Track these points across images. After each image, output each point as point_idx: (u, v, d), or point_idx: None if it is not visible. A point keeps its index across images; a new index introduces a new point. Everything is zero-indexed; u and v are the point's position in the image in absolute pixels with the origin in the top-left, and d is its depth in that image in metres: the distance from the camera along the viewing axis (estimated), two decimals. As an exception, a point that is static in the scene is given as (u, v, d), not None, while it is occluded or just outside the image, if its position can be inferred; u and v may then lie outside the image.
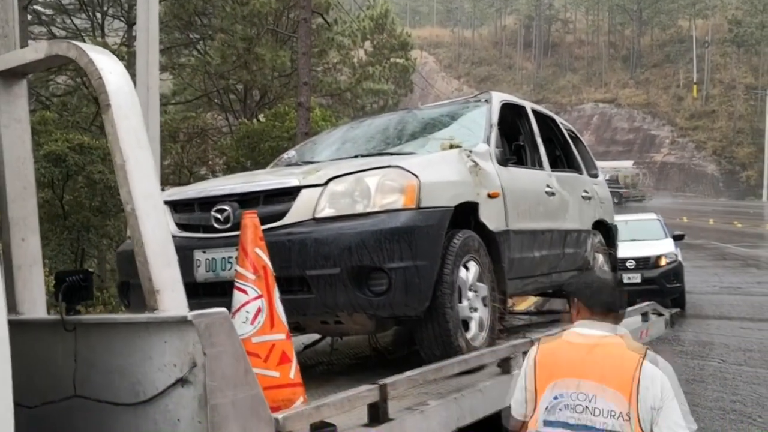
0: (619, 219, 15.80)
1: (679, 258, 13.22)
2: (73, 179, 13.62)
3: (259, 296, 2.42)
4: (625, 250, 13.53)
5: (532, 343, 3.67)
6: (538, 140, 5.23)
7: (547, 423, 2.64)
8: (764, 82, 58.04)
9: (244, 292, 2.43)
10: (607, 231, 6.33)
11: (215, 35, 21.71)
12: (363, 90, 27.65)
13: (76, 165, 15.35)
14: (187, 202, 3.67)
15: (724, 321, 12.31)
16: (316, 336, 4.61)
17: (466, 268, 3.76)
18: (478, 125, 4.56)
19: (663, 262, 13.06)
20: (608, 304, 2.77)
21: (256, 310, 2.40)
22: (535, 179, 4.92)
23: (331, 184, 3.41)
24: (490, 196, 4.11)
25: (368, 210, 3.34)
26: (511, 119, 5.20)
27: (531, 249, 4.61)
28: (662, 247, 13.44)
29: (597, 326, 2.73)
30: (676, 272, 12.97)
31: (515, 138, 5.18)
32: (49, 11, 24.47)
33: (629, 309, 5.52)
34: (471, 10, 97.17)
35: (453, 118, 4.90)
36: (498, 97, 4.87)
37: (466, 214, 3.96)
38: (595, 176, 6.44)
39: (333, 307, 3.33)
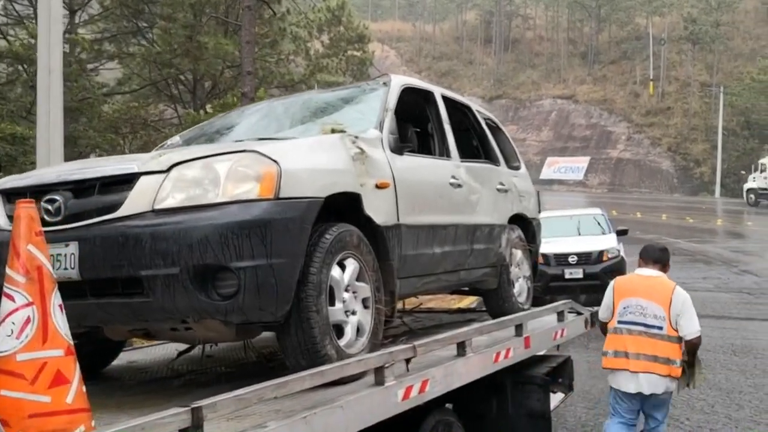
0: (562, 213, 15.83)
1: (622, 253, 13.05)
2: (7, 170, 12.91)
3: (29, 303, 1.99)
4: (567, 245, 13.38)
5: (414, 349, 3.31)
6: (447, 128, 4.85)
7: (620, 322, 4.92)
8: (718, 80, 58.85)
9: (11, 299, 1.99)
10: (527, 226, 6.00)
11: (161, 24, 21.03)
12: (318, 82, 27.12)
13: (8, 156, 14.59)
14: (19, 191, 3.20)
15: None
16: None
17: (342, 267, 3.36)
18: (371, 110, 4.16)
19: (605, 257, 12.88)
20: (655, 258, 5.10)
21: (23, 320, 1.96)
22: (438, 169, 4.54)
23: (175, 171, 2.98)
24: (377, 186, 3.72)
25: (216, 200, 2.91)
26: (416, 105, 4.82)
27: (430, 245, 4.23)
28: (605, 242, 13.27)
29: (649, 270, 5.06)
30: (618, 268, 12.76)
31: (422, 125, 4.82)
32: (-13, -2, 23.44)
33: (542, 308, 5.21)
34: (432, 4, 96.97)
35: (348, 102, 4.50)
36: (398, 81, 4.47)
37: (349, 206, 3.57)
38: (516, 168, 6.10)
39: (173, 312, 2.91)
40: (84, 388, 2.12)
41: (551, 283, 12.96)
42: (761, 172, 40.29)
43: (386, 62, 73.70)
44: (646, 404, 4.87)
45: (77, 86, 19.54)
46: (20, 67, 19.63)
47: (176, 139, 4.73)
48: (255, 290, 2.85)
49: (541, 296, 13.29)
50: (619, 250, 13.06)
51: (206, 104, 21.53)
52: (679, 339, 4.77)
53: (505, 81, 77.28)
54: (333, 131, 3.72)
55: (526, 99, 73.13)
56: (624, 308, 4.89)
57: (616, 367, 4.86)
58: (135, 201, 2.93)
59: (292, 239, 2.97)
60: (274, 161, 3.01)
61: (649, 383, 4.72)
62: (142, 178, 2.97)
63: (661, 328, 4.75)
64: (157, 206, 2.91)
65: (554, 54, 78.33)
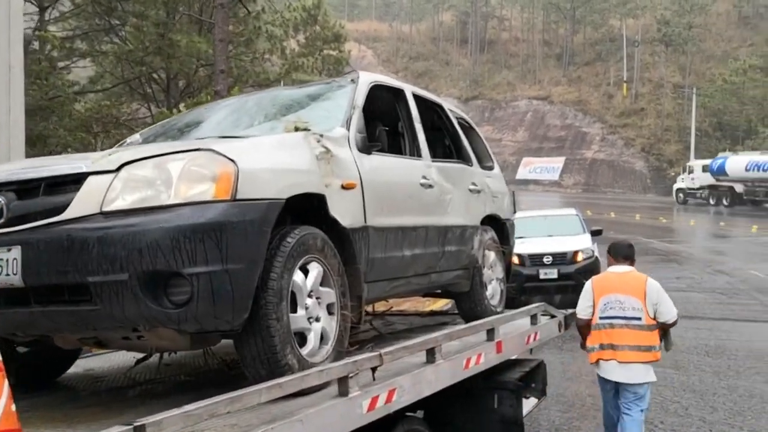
0: (537, 213, 15.80)
1: (596, 253, 13.03)
2: None
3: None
4: (542, 245, 13.34)
5: (380, 358, 3.17)
6: (418, 127, 4.72)
7: (602, 318, 5.32)
8: (691, 81, 59.42)
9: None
10: (500, 227, 5.89)
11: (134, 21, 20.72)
12: (293, 81, 26.96)
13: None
14: (-39, 191, 3.00)
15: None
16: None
17: (305, 271, 3.21)
18: (338, 107, 4.01)
19: (580, 257, 12.86)
20: (625, 254, 5.53)
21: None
22: (408, 169, 4.40)
23: (125, 171, 2.80)
24: (344, 187, 3.57)
25: (168, 202, 2.74)
26: (386, 103, 4.69)
27: (399, 247, 4.10)
28: (579, 242, 13.25)
29: (621, 266, 5.49)
30: (592, 268, 12.73)
31: (392, 124, 4.68)
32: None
33: (514, 312, 5.10)
34: (409, 4, 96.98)
35: (315, 99, 4.34)
36: (367, 78, 4.32)
37: (313, 207, 3.42)
38: (490, 168, 5.99)
39: (122, 321, 2.74)
40: (14, 407, 1.94)
41: (526, 284, 12.91)
42: (689, 173, 43.45)
43: (363, 62, 73.57)
44: (622, 391, 5.29)
45: (47, 84, 19.13)
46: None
47: (136, 137, 4.55)
48: (209, 297, 2.69)
49: (516, 297, 13.25)
50: (593, 251, 13.05)
51: (180, 103, 21.23)
52: (657, 326, 5.23)
53: (481, 82, 77.50)
54: (297, 129, 3.57)
55: (501, 100, 73.35)
56: (604, 305, 5.33)
57: (602, 358, 5.34)
58: (82, 202, 2.75)
59: (250, 243, 2.82)
60: (231, 160, 2.85)
61: (627, 371, 5.22)
62: (90, 179, 2.80)
63: (639, 318, 5.20)
64: (106, 208, 2.74)
65: (530, 55, 78.69)
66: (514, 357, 5.01)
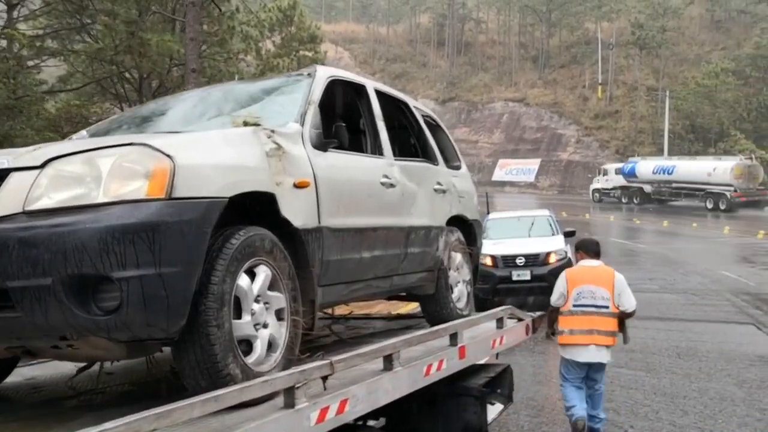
0: (511, 215, 15.72)
1: (569, 254, 12.94)
2: None
3: None
4: (515, 246, 13.25)
5: (331, 366, 2.99)
6: (380, 124, 4.55)
7: (575, 305, 6.01)
8: (664, 84, 59.89)
9: None
10: (467, 228, 5.74)
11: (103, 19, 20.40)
12: (269, 81, 26.71)
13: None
14: None
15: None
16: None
17: (251, 275, 3.02)
18: (293, 102, 3.82)
19: (552, 259, 12.78)
20: (594, 250, 6.31)
21: None
22: (368, 168, 4.23)
23: (50, 167, 2.60)
24: (296, 185, 3.39)
25: (98, 201, 2.55)
26: (347, 99, 4.52)
27: (357, 249, 3.92)
28: (552, 243, 13.18)
29: (591, 261, 6.25)
30: (566, 269, 12.66)
31: (354, 121, 4.51)
32: None
33: (479, 315, 4.94)
34: (386, 6, 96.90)
35: (270, 93, 4.15)
36: (325, 72, 4.14)
37: (262, 207, 3.24)
38: (457, 168, 5.84)
39: (47, 329, 2.53)
40: None
41: (499, 285, 12.82)
42: (603, 175, 48.08)
43: (340, 63, 73.33)
44: (590, 371, 6.12)
45: (14, 83, 18.72)
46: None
47: (83, 133, 4.33)
48: (141, 303, 2.50)
49: (488, 298, 13.19)
50: (566, 252, 12.98)
51: (152, 103, 20.86)
52: (618, 314, 6.02)
53: (457, 84, 77.63)
54: (246, 124, 3.37)
55: (478, 101, 73.54)
56: (578, 294, 6.05)
57: (573, 342, 6.05)
58: (4, 201, 2.55)
59: (187, 245, 2.62)
60: (168, 156, 2.66)
61: (598, 353, 6.02)
62: (14, 175, 2.59)
63: (607, 307, 6.00)
64: (29, 207, 2.53)
65: (506, 57, 78.98)
66: (479, 362, 4.85)
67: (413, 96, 73.38)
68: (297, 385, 2.77)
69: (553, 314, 6.21)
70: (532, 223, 14.30)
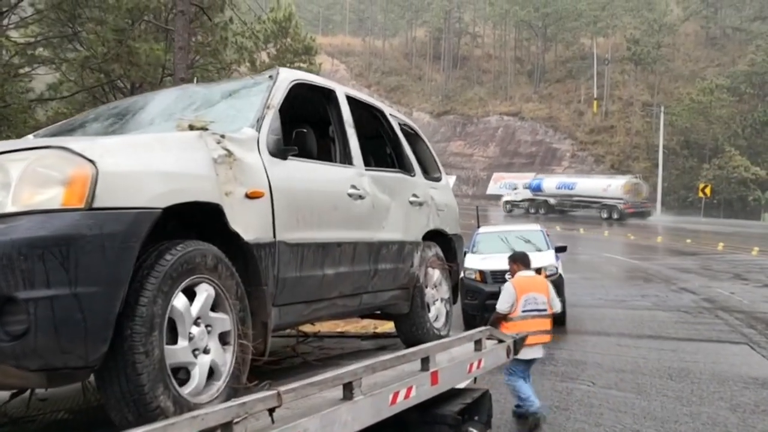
0: (501, 229, 15.43)
1: (560, 270, 12.67)
2: None
3: None
4: (504, 261, 12.88)
5: (278, 397, 2.68)
6: (349, 131, 4.26)
7: (524, 311, 6.92)
8: (659, 100, 59.89)
9: None
10: (447, 242, 5.44)
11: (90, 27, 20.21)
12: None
13: None
14: None
15: (602, 337, 11.79)
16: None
17: (190, 294, 2.72)
18: (249, 106, 3.53)
19: (543, 274, 12.42)
20: (528, 262, 7.45)
21: None
22: (333, 178, 3.93)
23: None
24: (248, 196, 3.10)
25: (5, 210, 2.25)
26: (314, 105, 4.24)
27: (319, 265, 3.62)
28: (543, 259, 12.84)
29: (528, 271, 7.35)
30: (556, 286, 12.31)
31: (321, 128, 4.23)
32: None
33: (454, 337, 4.62)
34: (383, 20, 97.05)
35: (227, 96, 3.86)
36: (288, 75, 3.85)
37: (209, 219, 2.94)
38: (436, 179, 5.55)
39: None
40: None
41: (488, 301, 12.46)
42: (513, 189, 54.08)
43: (336, 75, 73.29)
44: (531, 366, 7.26)
45: (1, 91, 18.46)
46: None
47: (29, 137, 4.03)
48: (52, 328, 2.19)
49: (477, 314, 12.88)
50: (557, 267, 12.68)
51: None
52: (552, 315, 7.15)
53: (453, 97, 77.65)
54: (192, 128, 3.08)
55: (473, 115, 73.50)
56: (525, 301, 6.95)
57: (527, 344, 6.41)
58: None
59: (109, 261, 2.32)
60: (90, 161, 2.36)
61: (542, 350, 7.21)
62: None
63: (546, 310, 7.05)
64: None
65: (501, 72, 79.07)
66: (455, 387, 4.53)
67: (408, 109, 73.63)
68: (235, 420, 2.47)
69: (500, 320, 6.89)
70: (523, 238, 13.99)
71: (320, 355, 4.79)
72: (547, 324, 7.04)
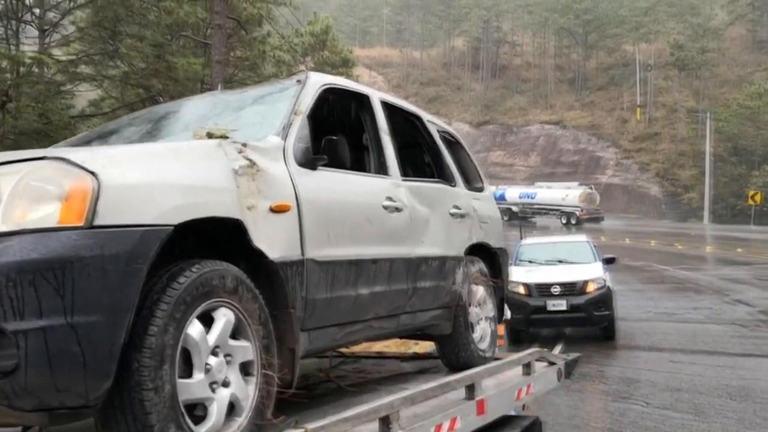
0: (546, 241, 14.96)
1: (608, 283, 12.15)
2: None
3: None
4: (550, 274, 12.50)
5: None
6: (385, 139, 3.95)
7: None
8: (705, 106, 58.54)
9: None
10: (491, 257, 5.09)
11: (128, 42, 20.46)
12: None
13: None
14: None
15: (654, 353, 11.24)
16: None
17: (206, 321, 2.44)
18: (276, 113, 3.25)
19: (591, 287, 11.97)
20: None
21: None
22: (368, 189, 3.63)
23: None
24: (273, 210, 2.81)
25: (-5, 230, 2.00)
26: (346, 111, 3.95)
27: (353, 285, 3.31)
28: (590, 271, 12.37)
29: None
30: (605, 299, 11.90)
31: (355, 136, 3.93)
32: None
33: (501, 362, 4.26)
34: (420, 31, 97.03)
35: (253, 103, 3.60)
36: (317, 79, 3.57)
37: (230, 236, 2.66)
38: (479, 190, 5.21)
39: None
40: None
41: (532, 316, 12.08)
42: None
43: (374, 87, 72.95)
44: None
45: (42, 107, 18.74)
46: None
47: (61, 144, 3.83)
48: (45, 363, 1.93)
49: (522, 329, 12.46)
50: (605, 280, 12.18)
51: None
52: None
53: (492, 107, 77.05)
54: (210, 136, 2.81)
55: (513, 124, 72.82)
56: None
57: None
58: None
59: (111, 286, 2.05)
60: (91, 173, 2.10)
61: None
62: None
63: None
64: None
65: (542, 80, 78.26)
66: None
67: (447, 119, 73.24)
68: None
69: None
70: (569, 250, 13.52)
71: (356, 378, 4.46)
72: None
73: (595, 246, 13.76)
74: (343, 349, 5.23)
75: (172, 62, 18.97)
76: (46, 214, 2.03)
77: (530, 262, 13.26)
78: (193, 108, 3.72)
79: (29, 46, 22.18)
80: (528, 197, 51.95)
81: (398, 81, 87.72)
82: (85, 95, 23.63)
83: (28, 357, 1.91)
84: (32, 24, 22.21)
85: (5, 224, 2.00)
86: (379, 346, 6.39)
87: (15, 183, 2.04)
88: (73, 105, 21.77)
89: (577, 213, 47.55)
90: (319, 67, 30.17)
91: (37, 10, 21.32)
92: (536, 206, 51.29)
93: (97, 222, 2.07)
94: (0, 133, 17.03)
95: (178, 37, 20.20)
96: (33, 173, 2.07)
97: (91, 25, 20.99)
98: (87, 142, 3.64)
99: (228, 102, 3.69)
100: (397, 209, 3.77)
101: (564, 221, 48.72)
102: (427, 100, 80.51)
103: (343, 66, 31.75)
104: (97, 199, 2.08)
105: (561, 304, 11.96)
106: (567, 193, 48.69)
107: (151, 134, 3.42)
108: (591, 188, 50.50)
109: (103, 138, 3.63)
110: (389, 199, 3.72)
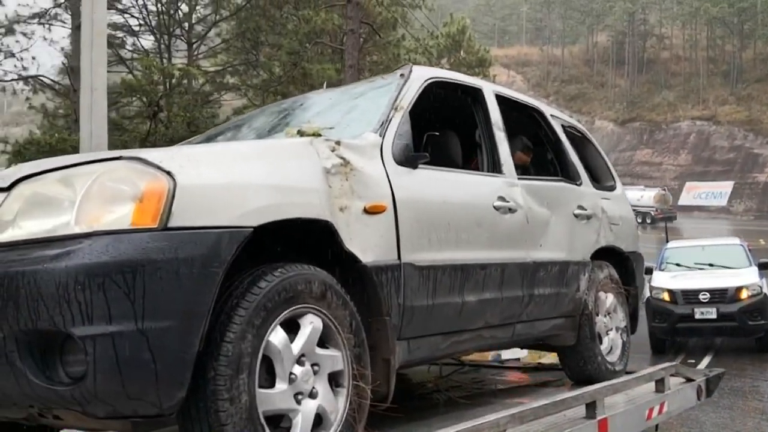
0: (694, 243, 13.89)
1: (764, 290, 11.06)
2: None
3: None
4: (698, 280, 11.56)
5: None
6: (499, 135, 3.69)
7: None
8: None
9: None
10: (622, 262, 4.67)
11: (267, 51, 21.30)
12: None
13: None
14: None
15: (819, 369, 10.10)
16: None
17: (290, 328, 2.30)
18: (375, 108, 3.08)
19: (744, 294, 10.95)
20: None
21: None
22: (476, 188, 3.38)
23: (18, 189, 2.06)
24: (367, 211, 2.65)
25: (69, 232, 1.96)
26: (455, 106, 3.72)
27: (458, 291, 3.08)
28: (744, 277, 11.32)
29: None
30: (760, 307, 10.85)
31: (466, 132, 3.71)
32: (119, 33, 24.65)
33: (628, 377, 3.86)
34: (561, 27, 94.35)
35: (353, 99, 3.46)
36: (422, 73, 3.36)
37: (320, 238, 2.53)
38: (610, 189, 4.80)
39: (3, 397, 1.97)
40: None
41: (678, 324, 11.22)
42: None
43: (512, 87, 71.96)
44: None
45: (190, 117, 19.86)
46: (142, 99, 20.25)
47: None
48: (114, 370, 1.86)
49: (666, 339, 11.63)
50: (761, 287, 11.10)
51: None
52: None
53: (638, 103, 73.47)
54: (301, 134, 2.69)
55: (661, 121, 69.03)
56: None
57: None
58: None
59: (185, 290, 1.96)
60: (167, 173, 2.03)
61: None
62: None
63: None
64: None
65: (692, 74, 73.65)
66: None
67: (590, 117, 70.72)
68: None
69: None
70: (720, 253, 12.46)
71: (472, 389, 4.22)
72: None
73: (750, 249, 12.61)
74: (463, 357, 5.01)
75: (307, 69, 19.46)
76: (120, 215, 1.97)
77: (677, 266, 12.37)
78: (296, 106, 3.65)
79: (179, 59, 23.64)
80: None
81: (538, 80, 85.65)
82: (230, 104, 24.82)
83: (96, 363, 1.85)
84: (182, 38, 23.62)
85: (78, 226, 1.96)
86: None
87: (89, 184, 2.00)
88: (218, 114, 22.92)
89: (652, 213, 48.99)
90: (455, 69, 29.96)
91: (186, 24, 22.66)
92: None
93: (172, 223, 1.99)
94: (152, 141, 18.17)
95: (314, 44, 20.71)
96: (108, 174, 2.02)
97: (235, 37, 22.04)
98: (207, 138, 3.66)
99: (329, 99, 3.58)
100: (511, 210, 3.50)
101: (639, 220, 49.71)
102: (569, 99, 78.05)
103: (479, 66, 31.33)
104: (172, 199, 2.00)
105: (710, 312, 11.03)
106: (642, 194, 49.91)
107: (264, 132, 3.37)
108: (665, 189, 52.33)
109: (210, 139, 3.63)
110: (501, 199, 3.45)
